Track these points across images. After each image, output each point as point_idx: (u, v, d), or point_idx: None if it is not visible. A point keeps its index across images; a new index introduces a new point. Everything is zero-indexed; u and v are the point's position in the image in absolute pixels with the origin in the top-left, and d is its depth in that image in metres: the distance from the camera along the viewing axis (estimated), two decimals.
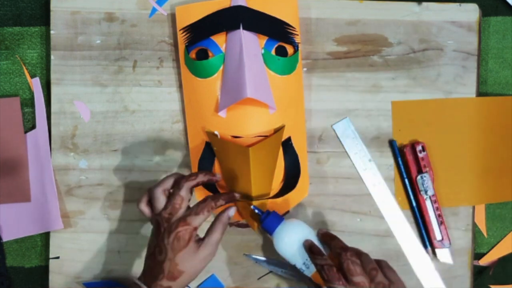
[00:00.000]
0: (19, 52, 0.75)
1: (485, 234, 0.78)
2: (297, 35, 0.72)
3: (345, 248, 0.61)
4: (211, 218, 0.64)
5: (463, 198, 0.76)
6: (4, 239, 0.74)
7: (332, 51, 0.75)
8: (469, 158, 0.76)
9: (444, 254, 0.75)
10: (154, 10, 0.75)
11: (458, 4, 0.76)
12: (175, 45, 0.74)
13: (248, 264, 0.75)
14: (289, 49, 0.72)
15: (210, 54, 0.70)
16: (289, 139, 0.72)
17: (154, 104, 0.74)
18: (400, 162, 0.75)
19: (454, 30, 0.76)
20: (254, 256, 0.74)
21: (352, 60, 0.75)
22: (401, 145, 0.75)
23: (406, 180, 0.75)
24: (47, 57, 0.75)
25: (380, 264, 0.61)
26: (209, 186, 0.71)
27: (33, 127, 0.75)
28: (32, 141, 0.74)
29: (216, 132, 0.70)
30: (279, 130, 0.70)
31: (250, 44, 0.69)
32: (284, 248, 0.65)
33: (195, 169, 0.72)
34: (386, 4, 0.75)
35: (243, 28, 0.69)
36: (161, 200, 0.62)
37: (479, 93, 0.77)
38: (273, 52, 0.71)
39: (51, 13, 0.74)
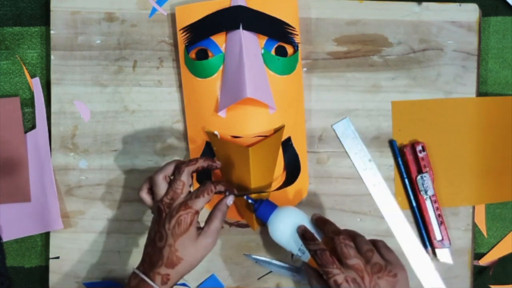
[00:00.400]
0: (19, 52, 0.76)
1: (485, 234, 0.78)
2: (297, 35, 0.72)
3: (338, 232, 0.60)
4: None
5: (463, 198, 0.76)
6: (4, 239, 0.74)
7: (332, 51, 0.75)
8: (469, 158, 0.76)
9: (444, 254, 0.75)
10: (154, 10, 0.75)
11: (458, 4, 0.76)
12: (175, 45, 0.74)
13: (248, 264, 0.75)
14: (289, 49, 0.72)
15: (210, 54, 0.71)
16: (289, 139, 0.72)
17: (154, 104, 0.74)
18: (400, 162, 0.75)
19: (454, 30, 0.76)
20: (254, 256, 0.74)
21: (352, 60, 0.75)
22: (401, 145, 0.75)
23: (406, 180, 0.75)
24: (47, 57, 0.75)
25: (377, 245, 0.61)
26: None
27: (33, 127, 0.75)
28: (32, 141, 0.74)
29: (216, 132, 0.70)
30: (279, 130, 0.70)
31: (250, 44, 0.69)
32: (279, 235, 0.65)
33: None
34: (386, 4, 0.75)
35: (243, 28, 0.69)
36: (162, 187, 0.62)
37: (479, 93, 0.77)
38: (273, 52, 0.71)
39: (51, 13, 0.74)
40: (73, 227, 0.74)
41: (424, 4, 0.76)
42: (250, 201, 0.67)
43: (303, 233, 0.62)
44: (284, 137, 0.72)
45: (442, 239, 0.74)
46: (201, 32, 0.70)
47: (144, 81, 0.74)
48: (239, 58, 0.68)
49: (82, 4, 0.74)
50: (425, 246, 0.75)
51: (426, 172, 0.73)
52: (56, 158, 0.74)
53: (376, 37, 0.76)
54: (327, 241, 0.62)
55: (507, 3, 0.77)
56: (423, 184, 0.73)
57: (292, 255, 0.74)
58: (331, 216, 0.74)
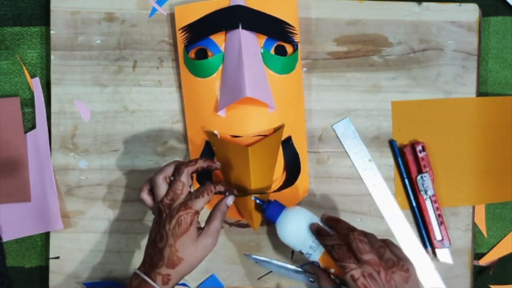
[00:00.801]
0: (19, 52, 0.76)
1: (485, 234, 0.78)
2: (297, 34, 0.72)
3: (352, 229, 0.61)
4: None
5: (463, 198, 0.76)
6: (4, 239, 0.74)
7: (332, 51, 0.75)
8: (469, 158, 0.76)
9: (444, 254, 0.75)
10: (154, 10, 0.75)
11: (458, 4, 0.76)
12: (175, 45, 0.74)
13: (248, 264, 0.75)
14: (289, 48, 0.72)
15: (209, 53, 0.71)
16: (289, 138, 0.72)
17: (154, 104, 0.74)
18: (400, 162, 0.75)
19: (454, 30, 0.76)
20: (254, 256, 0.74)
21: (352, 60, 0.75)
22: (401, 145, 0.75)
23: (406, 180, 0.75)
24: (47, 57, 0.75)
25: (386, 242, 0.62)
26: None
27: (33, 127, 0.75)
28: (32, 141, 0.74)
29: (215, 132, 0.70)
30: (278, 129, 0.70)
31: (249, 44, 0.69)
32: (288, 235, 0.65)
33: None
34: (386, 4, 0.75)
35: (242, 28, 0.68)
36: (162, 188, 0.63)
37: (479, 93, 0.77)
38: (272, 51, 0.71)
39: (51, 13, 0.74)
40: (73, 227, 0.74)
41: (424, 4, 0.76)
42: (258, 201, 0.67)
43: (317, 230, 0.63)
44: (284, 137, 0.71)
45: (442, 239, 0.74)
46: (201, 31, 0.70)
47: (144, 81, 0.75)
48: (239, 58, 0.68)
49: (82, 4, 0.74)
50: (425, 246, 0.75)
51: (426, 172, 0.73)
52: (56, 158, 0.74)
53: (376, 37, 0.76)
54: (340, 238, 0.62)
55: (507, 3, 0.77)
56: (423, 184, 0.73)
57: (292, 255, 0.74)
58: None
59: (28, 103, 0.75)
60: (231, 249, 0.75)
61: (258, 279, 0.75)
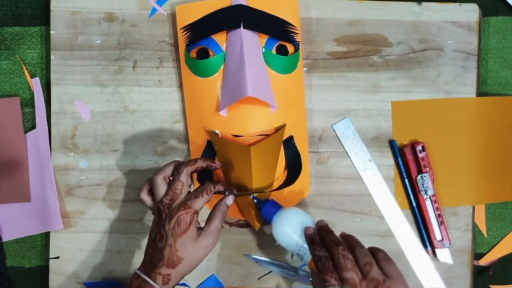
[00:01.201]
0: (19, 52, 0.75)
1: (485, 234, 0.78)
2: (298, 33, 0.72)
3: (338, 243, 0.59)
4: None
5: (463, 198, 0.76)
6: (4, 239, 0.74)
7: (332, 51, 0.75)
8: (469, 158, 0.76)
9: (444, 254, 0.75)
10: (154, 10, 0.75)
11: (458, 4, 0.76)
12: (175, 45, 0.74)
13: (248, 264, 0.75)
14: (290, 48, 0.72)
15: (210, 53, 0.70)
16: (291, 138, 0.72)
17: (154, 104, 0.74)
18: (400, 162, 0.75)
19: (454, 30, 0.76)
20: (254, 256, 0.74)
21: (352, 60, 0.75)
22: (401, 145, 0.75)
23: (406, 180, 0.75)
24: (47, 57, 0.75)
25: (377, 256, 0.60)
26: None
27: (33, 127, 0.75)
28: (32, 141, 0.74)
29: (217, 131, 0.70)
30: (280, 129, 0.70)
31: (250, 43, 0.69)
32: (282, 235, 0.64)
33: None
34: (386, 4, 0.75)
35: (244, 27, 0.68)
36: (162, 187, 0.63)
37: (479, 93, 0.77)
38: (273, 51, 0.71)
39: (51, 13, 0.74)
40: (73, 227, 0.74)
41: (424, 4, 0.76)
42: (255, 200, 0.67)
43: (311, 238, 0.62)
44: (285, 136, 0.72)
45: (442, 239, 0.74)
46: (202, 31, 0.70)
47: (144, 81, 0.74)
48: (240, 57, 0.68)
49: (82, 4, 0.74)
50: (425, 246, 0.75)
51: (426, 172, 0.73)
52: (56, 158, 0.74)
53: (376, 37, 0.76)
54: (327, 251, 0.62)
55: (507, 3, 0.77)
56: (423, 184, 0.73)
57: (293, 255, 0.74)
58: (331, 216, 0.75)
59: (28, 103, 0.75)
60: (231, 249, 0.75)
61: (258, 279, 0.75)
